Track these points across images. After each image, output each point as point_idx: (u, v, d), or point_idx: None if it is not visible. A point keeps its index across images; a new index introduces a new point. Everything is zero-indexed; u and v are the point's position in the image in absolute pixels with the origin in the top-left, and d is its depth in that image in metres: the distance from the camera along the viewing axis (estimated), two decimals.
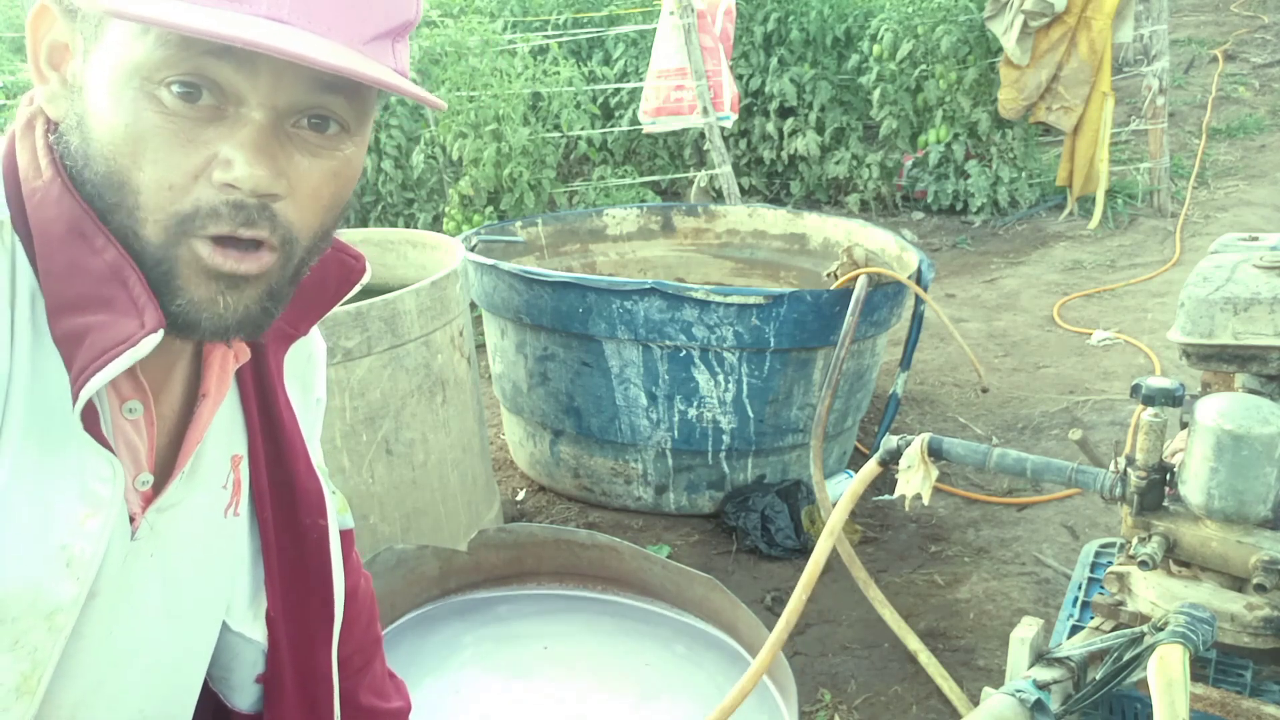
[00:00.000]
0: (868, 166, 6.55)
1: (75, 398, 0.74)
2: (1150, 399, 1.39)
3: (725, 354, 2.89)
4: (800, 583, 1.62)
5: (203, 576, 0.95)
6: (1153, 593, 1.37)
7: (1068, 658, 1.32)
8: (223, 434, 0.95)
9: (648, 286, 2.82)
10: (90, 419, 0.77)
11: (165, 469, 0.88)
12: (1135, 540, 1.39)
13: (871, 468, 1.64)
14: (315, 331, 1.08)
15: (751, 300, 2.80)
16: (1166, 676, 1.14)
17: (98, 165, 0.74)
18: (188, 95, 0.71)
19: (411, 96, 0.75)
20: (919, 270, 3.12)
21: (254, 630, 1.03)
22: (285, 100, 0.73)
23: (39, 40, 0.78)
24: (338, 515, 1.15)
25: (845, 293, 2.86)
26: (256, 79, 0.72)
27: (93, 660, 0.84)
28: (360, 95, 0.77)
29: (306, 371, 1.08)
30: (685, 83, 5.17)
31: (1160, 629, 1.22)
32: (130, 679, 0.89)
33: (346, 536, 1.18)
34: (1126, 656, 1.24)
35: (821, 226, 3.89)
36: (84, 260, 0.75)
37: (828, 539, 1.62)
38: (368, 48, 0.75)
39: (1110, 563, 1.67)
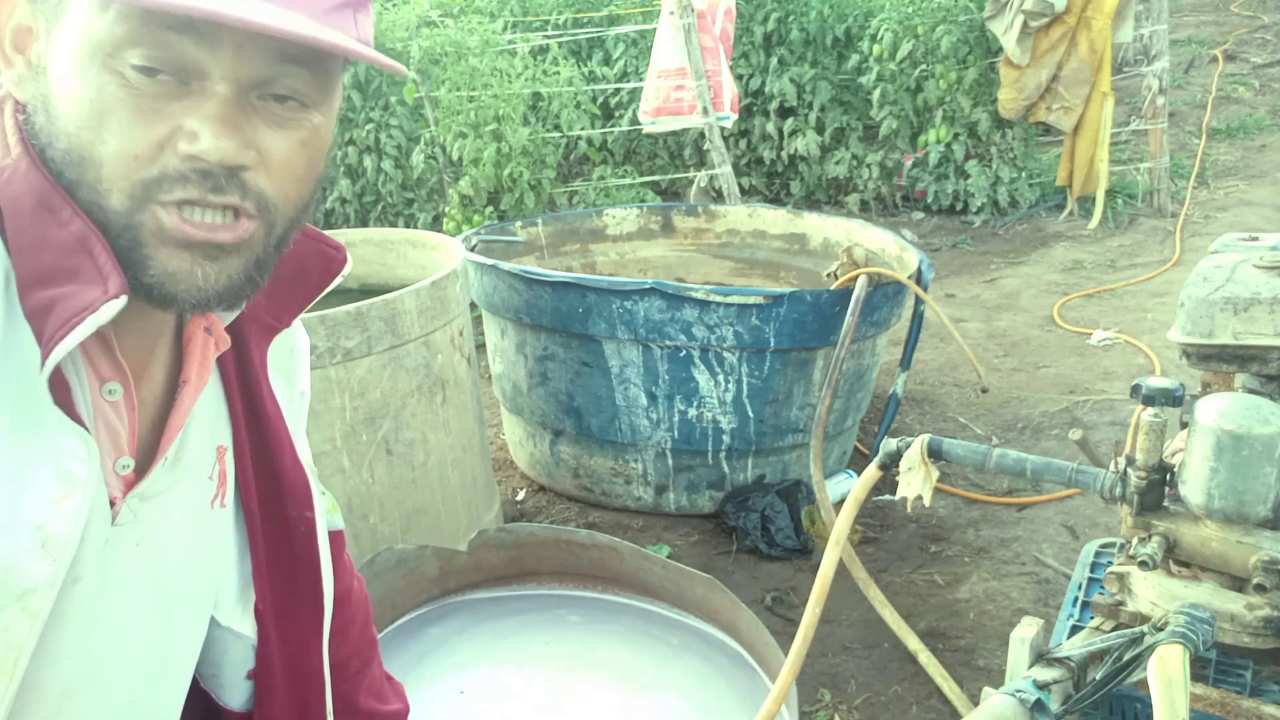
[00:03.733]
0: (868, 166, 6.55)
1: (43, 366, 0.74)
2: (1150, 399, 1.39)
3: (725, 354, 2.89)
4: (811, 598, 1.61)
5: (189, 568, 0.95)
6: (1153, 593, 1.37)
7: (1068, 658, 1.32)
8: (207, 424, 0.95)
9: (648, 286, 2.82)
10: (63, 395, 0.77)
11: (148, 457, 0.88)
12: (1135, 540, 1.39)
13: (872, 472, 1.64)
14: (298, 324, 1.08)
15: (751, 300, 2.80)
16: (1166, 676, 1.14)
17: (61, 142, 0.74)
18: (150, 70, 0.71)
19: (372, 62, 0.75)
20: (919, 270, 3.12)
21: (243, 625, 1.02)
22: (248, 73, 0.74)
23: (2, 25, 0.78)
24: (327, 515, 1.15)
25: (845, 293, 2.86)
26: (218, 52, 0.72)
27: (77, 647, 0.84)
28: (324, 66, 0.78)
29: (290, 364, 1.08)
30: (685, 83, 5.17)
31: (1160, 629, 1.22)
32: (117, 670, 0.89)
33: (338, 538, 1.18)
34: (1126, 656, 1.24)
35: (821, 226, 3.89)
36: (51, 233, 0.75)
37: (834, 549, 1.61)
38: (329, 18, 0.76)
39: (1110, 563, 1.67)
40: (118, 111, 0.72)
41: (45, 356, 0.74)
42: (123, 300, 0.74)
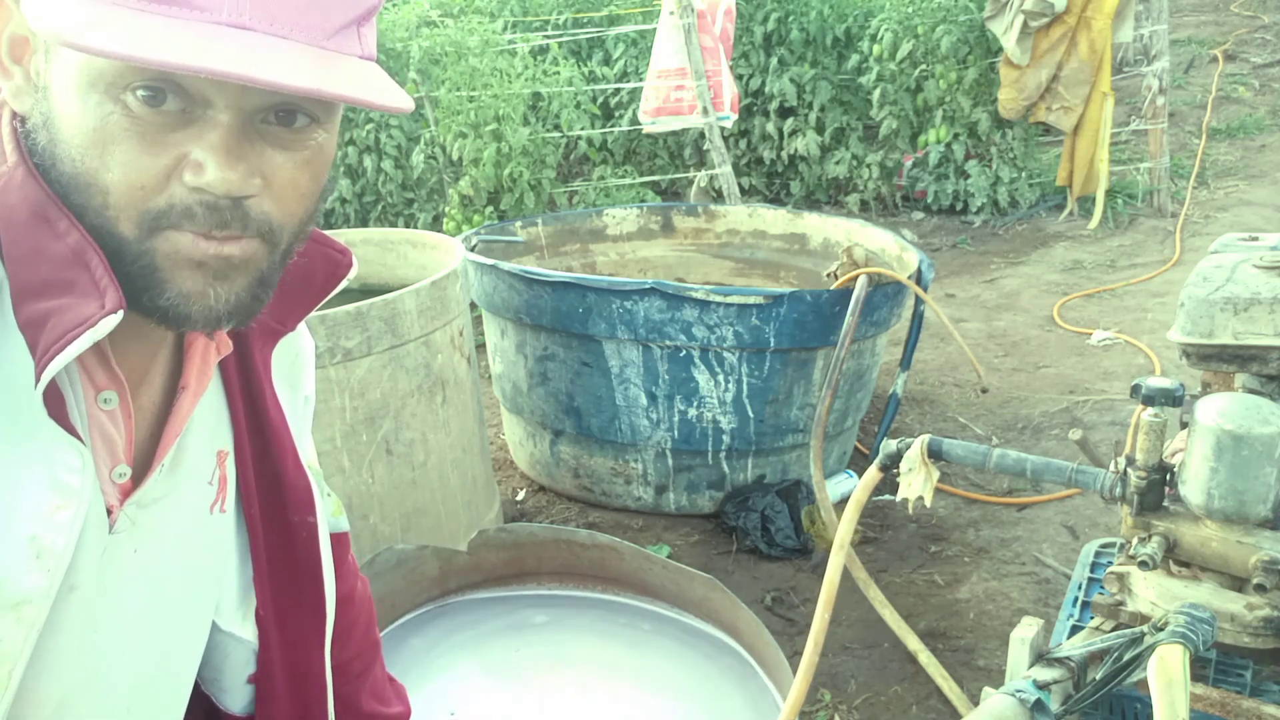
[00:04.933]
0: (868, 166, 6.55)
1: (37, 381, 0.73)
2: (1150, 399, 1.39)
3: (725, 354, 2.89)
4: (819, 605, 1.61)
5: (189, 574, 0.95)
6: (1153, 593, 1.37)
7: (1068, 658, 1.32)
8: (207, 429, 0.94)
9: (648, 286, 2.82)
10: (57, 407, 0.77)
11: (145, 463, 0.87)
12: (1135, 540, 1.39)
13: (872, 474, 1.64)
14: (303, 328, 1.07)
15: (751, 300, 2.80)
16: (1166, 676, 1.14)
17: (65, 165, 0.73)
18: (153, 99, 0.70)
19: (381, 109, 0.74)
20: (919, 270, 3.12)
21: (244, 630, 1.02)
22: (252, 101, 0.73)
23: None
24: (332, 518, 1.15)
25: (845, 293, 2.86)
26: (222, 84, 0.71)
27: (75, 656, 0.84)
28: None
29: (295, 369, 1.07)
30: (685, 83, 5.17)
31: (1160, 629, 1.22)
32: (117, 677, 0.89)
33: (342, 540, 1.18)
34: (1126, 656, 1.24)
35: (821, 226, 3.89)
36: (47, 245, 0.74)
37: (838, 553, 1.61)
38: (332, 41, 0.74)
39: (1110, 563, 1.67)
40: (122, 141, 0.71)
41: (40, 371, 0.73)
42: (119, 316, 0.73)
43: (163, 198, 0.72)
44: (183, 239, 0.74)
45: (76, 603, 0.82)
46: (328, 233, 1.07)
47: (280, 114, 0.75)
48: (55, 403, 0.77)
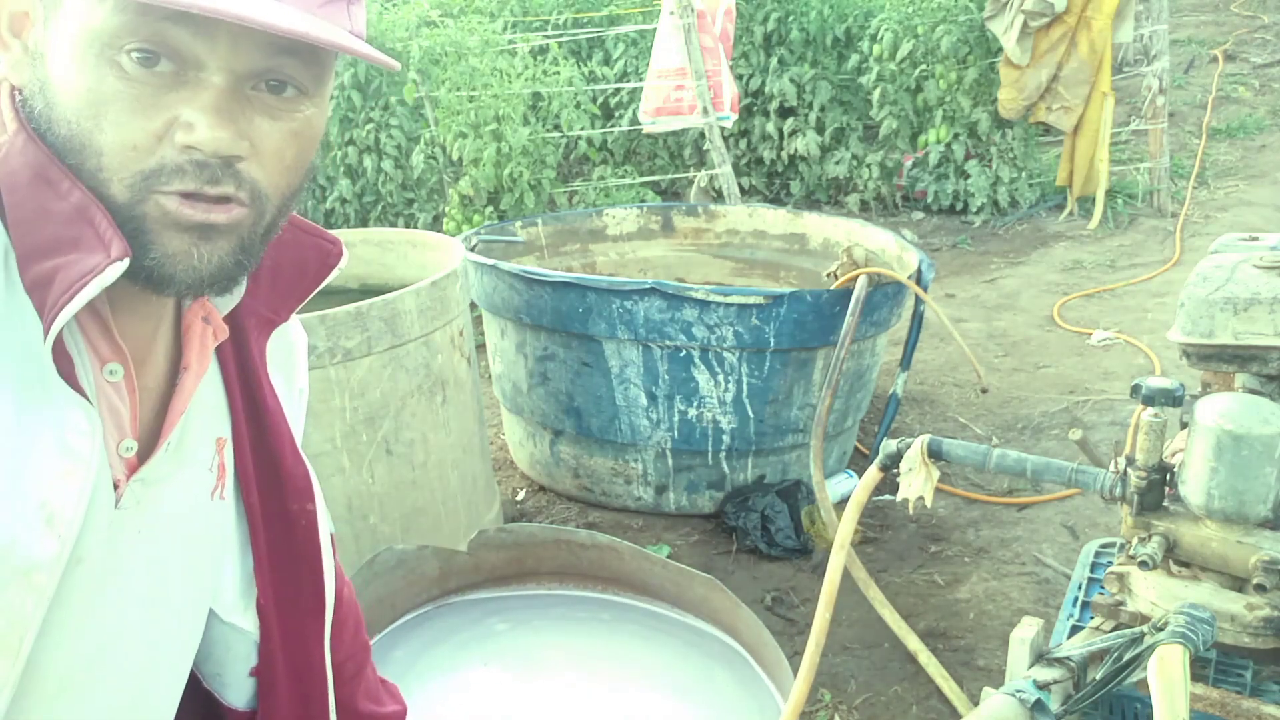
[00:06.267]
0: (868, 166, 6.55)
1: (46, 333, 0.74)
2: (1150, 399, 1.39)
3: (725, 354, 2.89)
4: (820, 605, 1.61)
5: (189, 559, 0.95)
6: (1153, 593, 1.37)
7: (1068, 658, 1.32)
8: (206, 415, 0.95)
9: (648, 286, 2.82)
10: (66, 369, 0.78)
11: (150, 443, 0.88)
12: (1135, 540, 1.39)
13: (873, 474, 1.64)
14: (295, 321, 1.08)
15: (751, 300, 2.80)
16: (1166, 676, 1.14)
17: (60, 129, 0.75)
18: (147, 60, 0.73)
19: (365, 57, 0.77)
20: (919, 270, 3.12)
21: (245, 620, 1.02)
22: (244, 64, 0.75)
23: None
24: None
25: (845, 293, 2.86)
26: (215, 43, 0.73)
27: (79, 631, 0.84)
28: (317, 58, 0.79)
29: (289, 361, 1.08)
30: (685, 83, 5.16)
31: (1160, 629, 1.22)
32: (118, 656, 0.89)
33: (330, 540, 1.18)
34: (1126, 656, 1.24)
35: (821, 226, 3.89)
36: (51, 205, 0.76)
37: (839, 553, 1.61)
38: (323, 10, 0.77)
39: (1110, 563, 1.67)
40: (115, 103, 0.73)
41: (49, 323, 0.74)
42: (125, 263, 0.75)
43: (153, 158, 0.74)
44: (170, 203, 0.75)
45: (82, 576, 0.82)
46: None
47: (270, 83, 0.77)
48: (64, 365, 0.78)
